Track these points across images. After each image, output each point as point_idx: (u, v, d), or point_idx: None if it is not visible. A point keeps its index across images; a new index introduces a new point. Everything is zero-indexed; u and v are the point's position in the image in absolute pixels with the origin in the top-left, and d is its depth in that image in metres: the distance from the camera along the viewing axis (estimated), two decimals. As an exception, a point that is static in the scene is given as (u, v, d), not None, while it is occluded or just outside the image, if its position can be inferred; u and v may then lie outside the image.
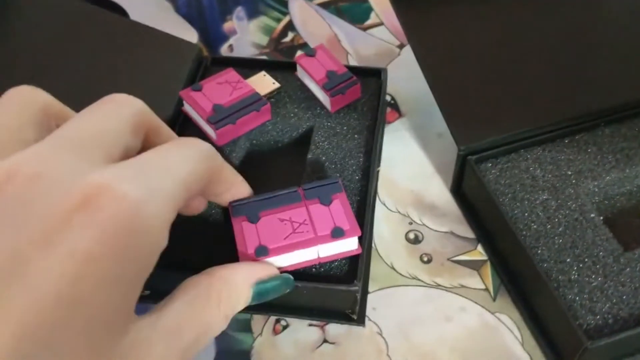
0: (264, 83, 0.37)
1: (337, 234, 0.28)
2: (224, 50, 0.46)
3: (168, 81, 0.37)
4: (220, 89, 0.35)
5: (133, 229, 0.18)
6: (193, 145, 0.23)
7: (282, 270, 0.28)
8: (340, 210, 0.29)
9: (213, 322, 0.23)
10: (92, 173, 0.19)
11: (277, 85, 0.37)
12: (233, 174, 0.27)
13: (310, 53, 0.37)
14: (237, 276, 0.24)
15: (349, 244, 0.28)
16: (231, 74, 0.36)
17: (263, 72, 0.38)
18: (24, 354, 0.16)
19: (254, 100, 0.35)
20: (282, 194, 0.29)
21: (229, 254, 0.28)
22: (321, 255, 0.28)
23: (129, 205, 0.18)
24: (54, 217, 0.17)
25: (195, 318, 0.22)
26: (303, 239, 0.28)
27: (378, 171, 0.37)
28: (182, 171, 0.22)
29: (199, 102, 0.34)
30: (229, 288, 0.24)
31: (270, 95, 0.37)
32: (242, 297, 0.24)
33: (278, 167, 0.36)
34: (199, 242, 0.31)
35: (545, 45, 0.37)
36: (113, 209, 0.18)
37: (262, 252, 0.27)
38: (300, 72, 0.38)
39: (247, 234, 0.28)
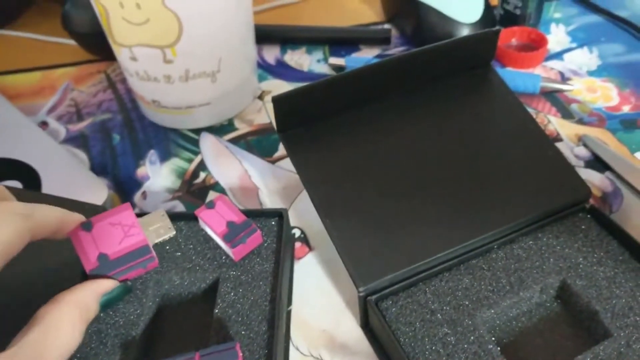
0: (159, 226, 0.36)
1: None
2: (137, 198, 0.47)
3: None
4: (112, 231, 0.33)
5: None
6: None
7: None
8: None
9: (70, 342, 0.26)
10: None
11: (172, 232, 0.36)
12: (53, 217, 0.29)
13: (210, 205, 0.38)
14: (84, 298, 0.28)
15: None
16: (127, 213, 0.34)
17: (162, 211, 0.37)
18: None
19: (142, 256, 0.32)
20: None
21: None
22: None
23: None
24: None
25: (53, 343, 0.25)
26: None
27: (289, 311, 0.38)
28: None
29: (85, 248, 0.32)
30: (79, 309, 0.27)
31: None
32: (92, 312, 0.29)
33: (189, 321, 0.36)
34: None
35: (434, 177, 0.39)
36: None
37: None
38: (202, 224, 0.38)
39: None
